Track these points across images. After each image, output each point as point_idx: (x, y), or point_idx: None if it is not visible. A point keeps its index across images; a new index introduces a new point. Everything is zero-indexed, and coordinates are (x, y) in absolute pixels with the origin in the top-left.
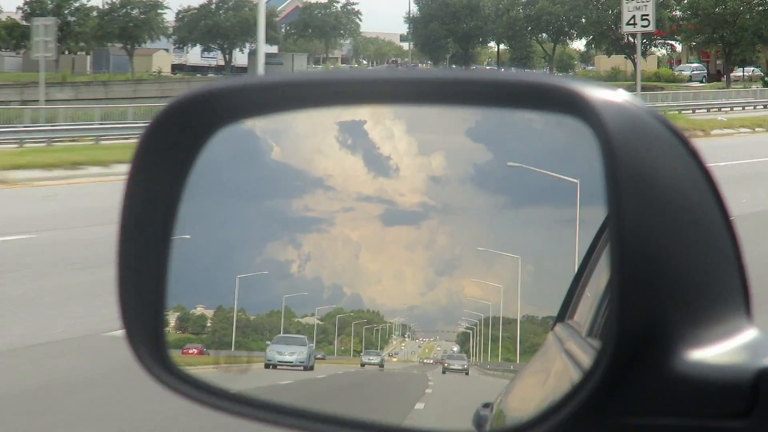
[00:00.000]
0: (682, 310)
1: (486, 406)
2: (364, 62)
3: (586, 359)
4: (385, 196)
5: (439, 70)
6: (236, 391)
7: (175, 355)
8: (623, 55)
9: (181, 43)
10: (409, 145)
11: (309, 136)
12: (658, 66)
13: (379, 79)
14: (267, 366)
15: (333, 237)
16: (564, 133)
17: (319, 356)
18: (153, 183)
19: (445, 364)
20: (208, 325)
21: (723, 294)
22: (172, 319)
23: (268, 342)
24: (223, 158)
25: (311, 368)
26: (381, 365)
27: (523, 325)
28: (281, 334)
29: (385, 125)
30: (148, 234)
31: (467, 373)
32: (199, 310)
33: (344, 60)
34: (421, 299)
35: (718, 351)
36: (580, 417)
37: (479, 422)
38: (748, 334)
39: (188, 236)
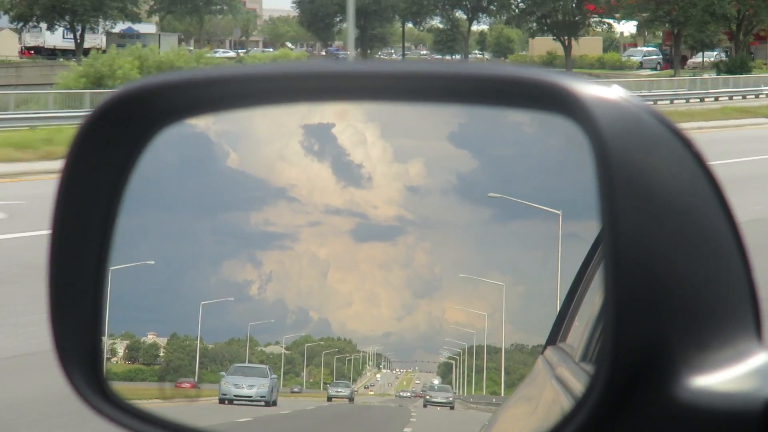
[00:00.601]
0: (685, 332)
1: None
2: (257, 50)
3: (579, 386)
4: (357, 208)
5: (410, 62)
6: (185, 423)
7: (116, 384)
8: (550, 37)
9: (21, 20)
10: (384, 151)
11: (270, 141)
12: (606, 50)
13: (341, 73)
14: (222, 401)
15: (298, 254)
16: (557, 137)
17: (295, 389)
18: (87, 192)
19: (427, 397)
20: (161, 354)
21: (730, 313)
22: (120, 348)
23: (223, 373)
24: (172, 165)
25: (274, 404)
26: (350, 398)
27: (512, 354)
28: (238, 364)
29: (356, 128)
30: (84, 249)
31: (452, 407)
32: (150, 337)
33: (238, 44)
34: (398, 325)
35: (725, 377)
36: None
37: None
38: (759, 359)
39: (152, 262)
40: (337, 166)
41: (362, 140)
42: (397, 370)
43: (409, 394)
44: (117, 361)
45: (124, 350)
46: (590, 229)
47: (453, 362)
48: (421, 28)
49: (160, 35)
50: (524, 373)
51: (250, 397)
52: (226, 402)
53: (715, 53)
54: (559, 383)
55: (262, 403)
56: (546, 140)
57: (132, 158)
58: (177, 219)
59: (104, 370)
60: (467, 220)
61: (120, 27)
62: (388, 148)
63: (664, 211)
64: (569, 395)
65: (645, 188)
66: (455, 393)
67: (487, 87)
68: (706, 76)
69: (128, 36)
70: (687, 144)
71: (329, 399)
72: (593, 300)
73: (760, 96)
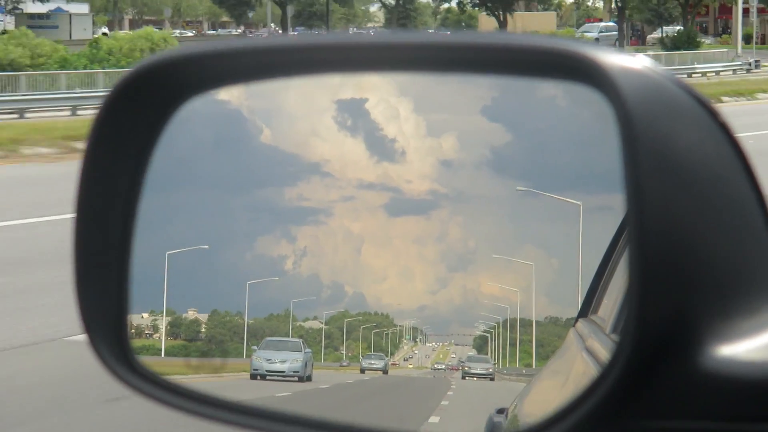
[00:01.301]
0: (711, 301)
1: (500, 411)
2: (190, 33)
3: (608, 357)
4: (390, 183)
5: (428, 33)
6: (215, 395)
7: (145, 358)
8: (483, 11)
9: None
10: (417, 125)
11: (303, 117)
12: (560, 25)
13: (369, 44)
14: (254, 377)
15: (331, 230)
16: (587, 109)
17: (345, 363)
18: (113, 167)
19: (465, 368)
20: (203, 330)
21: (756, 282)
22: (162, 324)
23: (255, 347)
24: (205, 142)
25: (308, 378)
26: (384, 371)
27: (546, 327)
28: (270, 338)
29: (390, 103)
30: (108, 225)
31: (492, 379)
32: (191, 314)
33: (172, 24)
34: (433, 299)
35: (751, 346)
36: (595, 419)
37: (492, 429)
38: None
39: (206, 246)
40: (370, 141)
41: (395, 115)
42: (434, 343)
43: (443, 366)
44: (158, 337)
45: (167, 327)
46: (619, 203)
47: (488, 335)
48: (364, 7)
49: (71, 15)
50: (557, 345)
51: (283, 372)
52: (258, 377)
53: (678, 28)
54: (589, 354)
55: (296, 378)
56: (577, 113)
57: (155, 134)
58: (213, 195)
59: (130, 343)
60: (500, 193)
61: (47, 7)
62: (421, 123)
63: (689, 181)
64: (598, 366)
65: (670, 158)
66: (494, 364)
67: (513, 57)
68: (650, 52)
69: (38, 17)
70: (713, 114)
71: (362, 371)
72: (623, 273)
73: (693, 75)
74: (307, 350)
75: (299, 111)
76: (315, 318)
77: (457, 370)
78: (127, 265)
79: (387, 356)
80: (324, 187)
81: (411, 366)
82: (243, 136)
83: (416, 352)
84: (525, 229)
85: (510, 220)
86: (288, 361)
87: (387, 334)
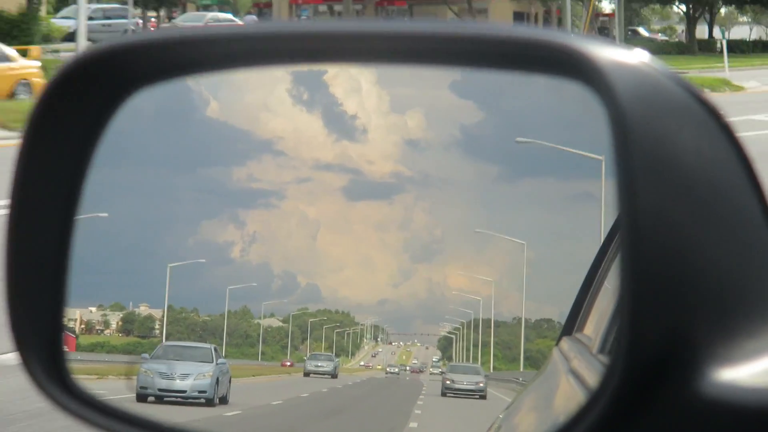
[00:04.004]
0: (711, 319)
1: None
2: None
3: (595, 380)
4: (350, 163)
5: (404, 23)
6: (153, 418)
7: (78, 373)
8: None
9: None
10: (380, 100)
11: (254, 89)
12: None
13: (332, 33)
14: (141, 398)
15: (284, 213)
16: (570, 92)
17: (287, 363)
18: (53, 154)
19: (447, 381)
20: (156, 327)
21: (762, 298)
22: (113, 320)
23: (145, 355)
24: (146, 117)
25: (223, 401)
26: (333, 374)
27: (515, 328)
28: (169, 343)
29: (350, 75)
30: (46, 219)
31: (484, 396)
32: (143, 309)
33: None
34: (395, 292)
35: (753, 370)
36: None
37: None
38: None
39: (105, 214)
40: (328, 117)
41: (356, 88)
42: (396, 343)
43: (397, 370)
44: (110, 333)
45: (118, 322)
46: (605, 192)
47: (455, 335)
48: None
49: None
50: (531, 348)
51: (184, 392)
52: (148, 399)
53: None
54: (575, 377)
55: (202, 401)
56: (559, 92)
57: (99, 125)
58: (153, 175)
59: (65, 361)
60: (472, 177)
61: None
62: (385, 98)
63: (687, 187)
64: (585, 390)
65: (667, 161)
66: (486, 376)
67: (491, 49)
68: None
69: None
70: (714, 114)
71: (306, 374)
72: (613, 286)
73: None
74: (221, 361)
75: (250, 82)
76: (272, 315)
77: (419, 373)
78: (65, 274)
79: (343, 356)
80: (276, 167)
81: (378, 367)
82: (188, 108)
83: (380, 351)
84: (499, 217)
85: (482, 206)
86: (191, 376)
87: (348, 334)
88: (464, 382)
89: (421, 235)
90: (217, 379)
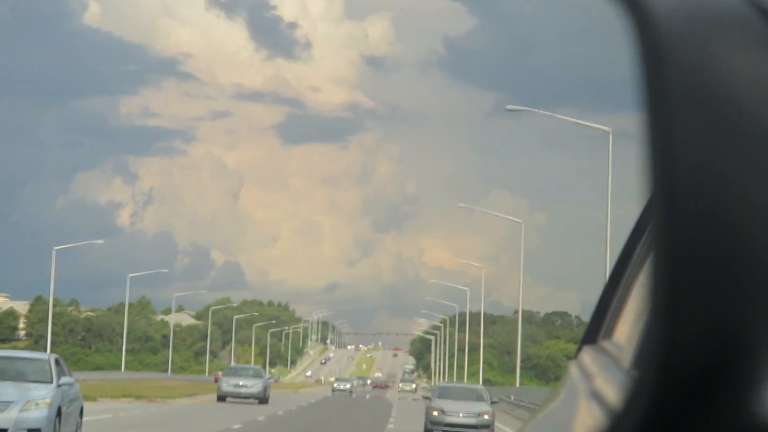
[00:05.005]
0: None
1: None
2: None
3: (620, 398)
4: (287, 91)
5: None
6: None
7: None
8: None
9: None
10: (330, 1)
11: None
12: None
13: None
14: None
15: (194, 162)
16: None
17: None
18: None
19: (435, 413)
20: (21, 327)
21: None
22: None
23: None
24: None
25: None
26: (261, 397)
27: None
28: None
29: None
30: None
31: (491, 429)
32: (1, 299)
33: None
34: (349, 273)
35: None
36: None
37: None
38: None
39: None
40: (256, 25)
41: None
42: (353, 346)
43: (349, 386)
44: None
45: None
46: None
47: (434, 336)
48: None
49: None
50: (538, 354)
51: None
52: None
53: None
54: (598, 402)
55: None
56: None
57: None
58: (14, 108)
59: None
60: (459, 109)
61: None
62: None
63: (744, 133)
64: (610, 416)
65: (716, 95)
66: (495, 403)
67: None
68: None
69: None
70: None
71: (221, 398)
72: (645, 282)
73: None
74: (66, 380)
75: None
76: (182, 309)
77: (384, 388)
78: None
79: (280, 366)
80: (182, 97)
81: (331, 379)
82: (55, 13)
83: (330, 356)
84: (493, 169)
85: (472, 151)
86: (15, 405)
87: (287, 334)
88: (461, 413)
89: (388, 191)
90: (59, 409)
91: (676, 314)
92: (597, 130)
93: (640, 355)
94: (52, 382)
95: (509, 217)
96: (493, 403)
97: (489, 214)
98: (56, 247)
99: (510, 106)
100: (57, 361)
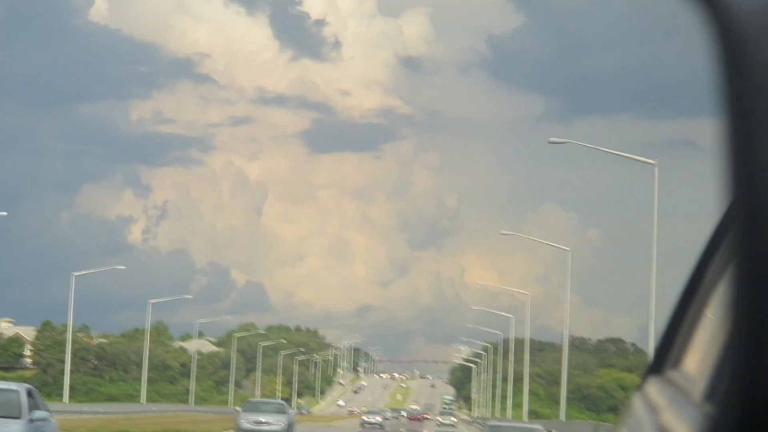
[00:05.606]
0: None
1: None
2: None
3: None
4: (314, 95)
5: None
6: None
7: None
8: None
9: None
10: None
11: None
12: None
13: None
14: None
15: (212, 173)
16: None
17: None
18: None
19: None
20: (27, 354)
21: None
22: None
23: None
24: None
25: None
26: None
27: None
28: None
29: None
30: None
31: None
32: (4, 325)
33: None
34: (383, 294)
35: None
36: None
37: None
38: None
39: None
40: (278, 23)
41: None
42: (387, 375)
43: (379, 419)
44: None
45: None
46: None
47: (474, 365)
48: None
49: None
50: (588, 384)
51: None
52: None
53: None
54: None
55: None
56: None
57: None
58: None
59: None
60: (503, 116)
61: None
62: None
63: None
64: None
65: None
66: None
67: None
68: None
69: None
70: None
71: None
72: (722, 306)
73: None
74: (40, 414)
75: None
76: (201, 335)
77: (421, 420)
78: None
79: (308, 396)
80: (199, 101)
81: (341, 404)
82: (60, 10)
83: (363, 385)
84: (543, 182)
85: (518, 162)
86: None
87: (316, 362)
88: None
89: (425, 205)
90: None
91: (760, 350)
92: (643, 162)
93: (715, 389)
94: (20, 418)
95: (556, 245)
96: None
97: (533, 240)
98: (75, 273)
99: (553, 139)
100: (30, 393)
